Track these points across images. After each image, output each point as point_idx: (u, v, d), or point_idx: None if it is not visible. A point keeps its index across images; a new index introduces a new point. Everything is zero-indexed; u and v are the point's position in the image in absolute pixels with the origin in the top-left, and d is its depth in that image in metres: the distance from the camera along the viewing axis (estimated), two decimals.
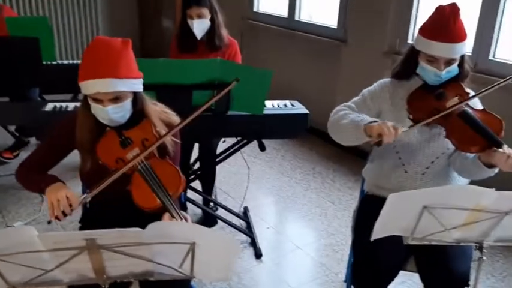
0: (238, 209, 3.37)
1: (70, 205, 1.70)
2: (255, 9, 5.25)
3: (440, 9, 1.97)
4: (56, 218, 1.69)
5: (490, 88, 1.94)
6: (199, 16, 2.96)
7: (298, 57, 4.80)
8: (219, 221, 3.21)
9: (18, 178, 1.96)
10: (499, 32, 3.26)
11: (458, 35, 1.93)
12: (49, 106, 2.77)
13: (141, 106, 1.87)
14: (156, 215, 1.73)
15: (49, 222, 1.72)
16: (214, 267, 1.39)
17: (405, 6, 3.76)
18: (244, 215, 3.36)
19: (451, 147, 2.02)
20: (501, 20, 3.23)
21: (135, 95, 1.84)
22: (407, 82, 2.12)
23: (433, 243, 1.63)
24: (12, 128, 4.18)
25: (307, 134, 4.62)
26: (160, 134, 1.84)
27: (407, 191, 1.47)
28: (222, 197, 3.63)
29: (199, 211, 3.34)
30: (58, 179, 1.84)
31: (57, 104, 2.78)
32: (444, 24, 1.92)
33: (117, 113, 1.78)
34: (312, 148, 4.50)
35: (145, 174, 1.79)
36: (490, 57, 3.31)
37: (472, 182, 2.10)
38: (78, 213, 1.91)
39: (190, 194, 3.29)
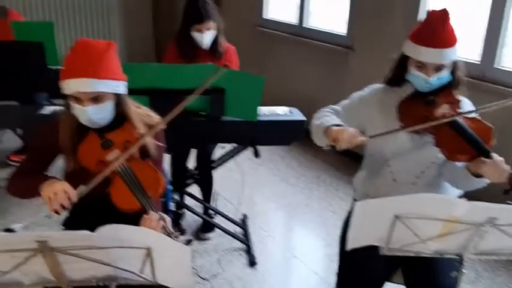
0: (237, 216, 3.34)
1: (68, 198, 1.67)
2: (264, 16, 5.23)
3: (429, 14, 1.91)
4: (55, 211, 1.67)
5: (484, 107, 1.87)
6: (209, 29, 2.93)
7: (307, 63, 4.76)
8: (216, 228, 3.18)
9: (10, 189, 1.93)
10: (503, 41, 3.18)
11: (446, 40, 1.86)
12: (48, 109, 2.78)
13: (123, 109, 1.86)
14: (137, 217, 1.73)
15: (49, 217, 1.69)
16: (176, 273, 1.36)
17: (413, 13, 3.69)
18: (243, 222, 3.33)
19: (441, 156, 1.95)
20: (506, 29, 3.15)
21: (118, 98, 1.83)
22: (400, 89, 2.07)
23: (411, 254, 1.57)
24: (20, 131, 4.22)
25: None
26: None
27: (374, 199, 1.41)
28: (223, 203, 3.59)
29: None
30: (53, 177, 1.80)
31: (58, 108, 2.79)
32: (432, 29, 1.86)
33: (97, 114, 1.78)
34: (317, 156, 4.43)
35: (125, 176, 1.79)
36: (496, 66, 3.22)
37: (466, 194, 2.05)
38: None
39: (188, 200, 3.28)
